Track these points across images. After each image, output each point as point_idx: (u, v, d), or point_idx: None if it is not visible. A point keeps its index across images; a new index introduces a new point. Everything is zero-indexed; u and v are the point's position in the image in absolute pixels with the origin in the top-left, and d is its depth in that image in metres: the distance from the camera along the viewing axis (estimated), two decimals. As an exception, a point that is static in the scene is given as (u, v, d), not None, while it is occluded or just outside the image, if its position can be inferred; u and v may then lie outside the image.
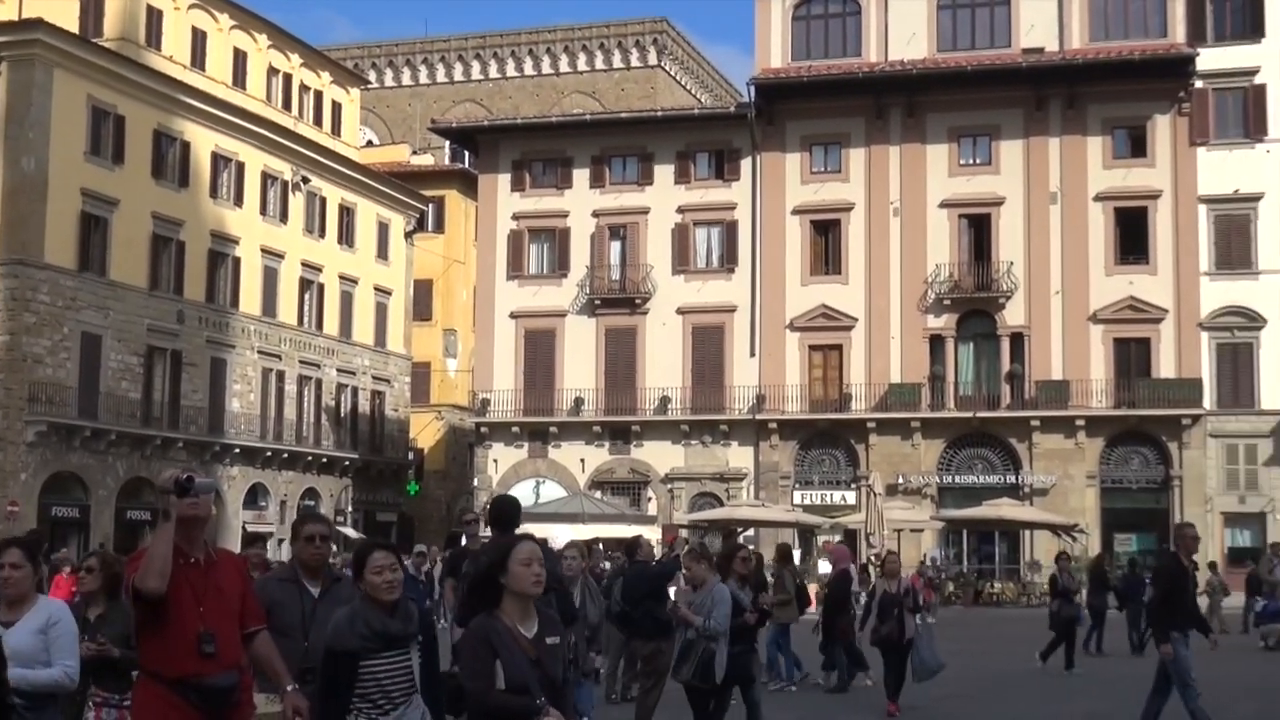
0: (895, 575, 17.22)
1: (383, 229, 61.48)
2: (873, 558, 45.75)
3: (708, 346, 53.02)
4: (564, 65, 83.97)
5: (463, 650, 5.78)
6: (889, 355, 51.02)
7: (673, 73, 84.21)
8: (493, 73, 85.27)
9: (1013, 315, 50.34)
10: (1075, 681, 21.32)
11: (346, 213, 59.10)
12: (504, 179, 55.94)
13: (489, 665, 5.61)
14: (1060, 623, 23.22)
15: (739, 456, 52.41)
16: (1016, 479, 49.63)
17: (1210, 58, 49.23)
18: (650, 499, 52.84)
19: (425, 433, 64.70)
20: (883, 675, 16.74)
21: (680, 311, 53.19)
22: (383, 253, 61.39)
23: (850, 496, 50.63)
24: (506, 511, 10.73)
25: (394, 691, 6.07)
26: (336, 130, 61.13)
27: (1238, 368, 48.91)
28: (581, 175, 54.90)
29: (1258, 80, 49.21)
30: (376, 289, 60.79)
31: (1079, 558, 43.60)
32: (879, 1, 52.65)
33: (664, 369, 52.92)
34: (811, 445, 52.15)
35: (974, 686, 20.12)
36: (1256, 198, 48.73)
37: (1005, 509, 45.74)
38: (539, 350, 54.57)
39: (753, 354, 52.37)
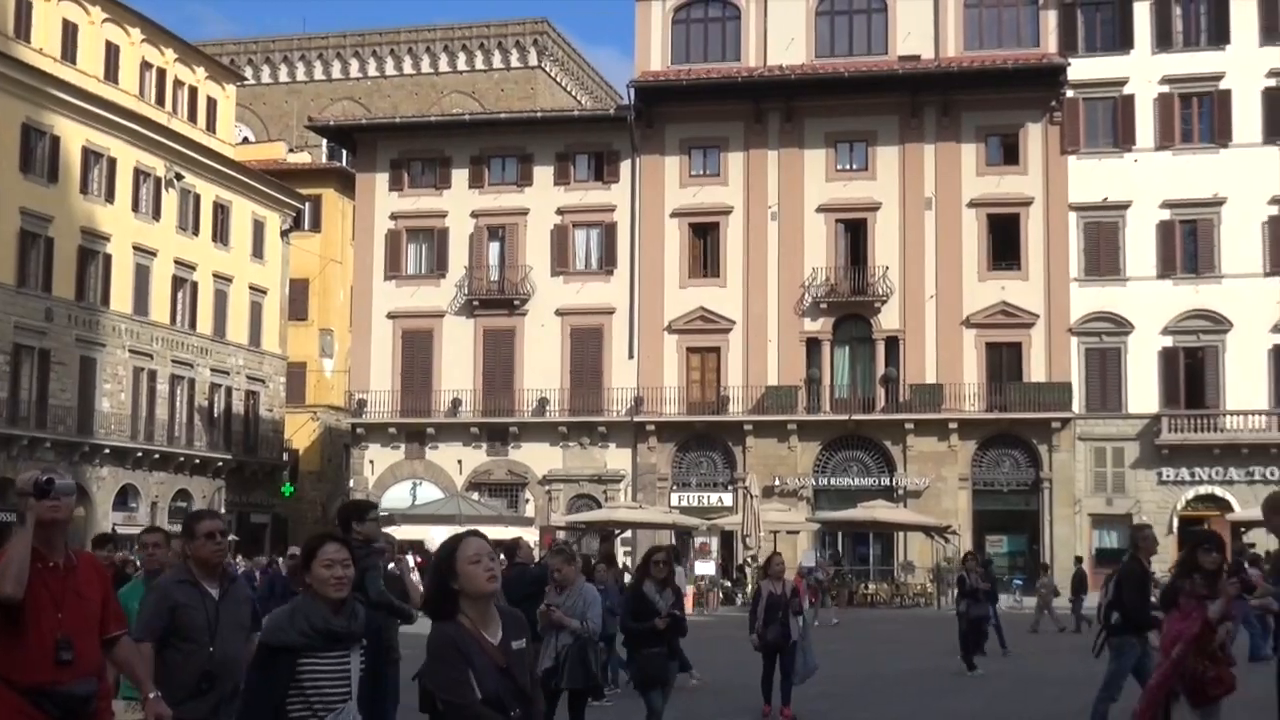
0: (780, 577, 16.98)
1: (258, 227, 60.95)
2: (749, 560, 46.52)
3: (586, 348, 53.31)
4: (443, 65, 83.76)
5: (434, 661, 5.19)
6: (766, 358, 51.66)
7: (553, 74, 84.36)
8: (371, 71, 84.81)
9: (888, 319, 51.22)
10: (957, 681, 21.60)
11: (221, 210, 58.53)
12: (382, 178, 55.82)
13: (464, 675, 5.11)
14: (969, 623, 23.25)
15: (617, 458, 52.76)
16: (891, 481, 50.48)
17: (1081, 68, 50.51)
18: (528, 500, 53.01)
19: (300, 434, 64.26)
20: (761, 678, 16.53)
21: (559, 313, 53.44)
22: (258, 251, 60.85)
23: (727, 498, 51.17)
24: (342, 514, 10.53)
25: (330, 694, 5.64)
26: (211, 127, 60.50)
27: (1106, 372, 50.17)
28: (460, 175, 54.94)
29: (1126, 91, 50.53)
30: (251, 288, 60.25)
31: (950, 559, 44.70)
32: (758, 6, 53.31)
33: (542, 370, 53.12)
34: (689, 447, 52.64)
35: (850, 687, 20.40)
36: (1125, 206, 50.03)
37: (880, 511, 46.57)
38: (416, 351, 54.51)
39: (631, 356, 52.75)
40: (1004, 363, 50.72)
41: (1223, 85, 49.90)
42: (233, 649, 6.94)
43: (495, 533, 36.26)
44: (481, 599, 5.25)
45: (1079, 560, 39.74)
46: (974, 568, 25.16)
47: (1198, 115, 50.36)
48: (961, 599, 23.94)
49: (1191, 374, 49.62)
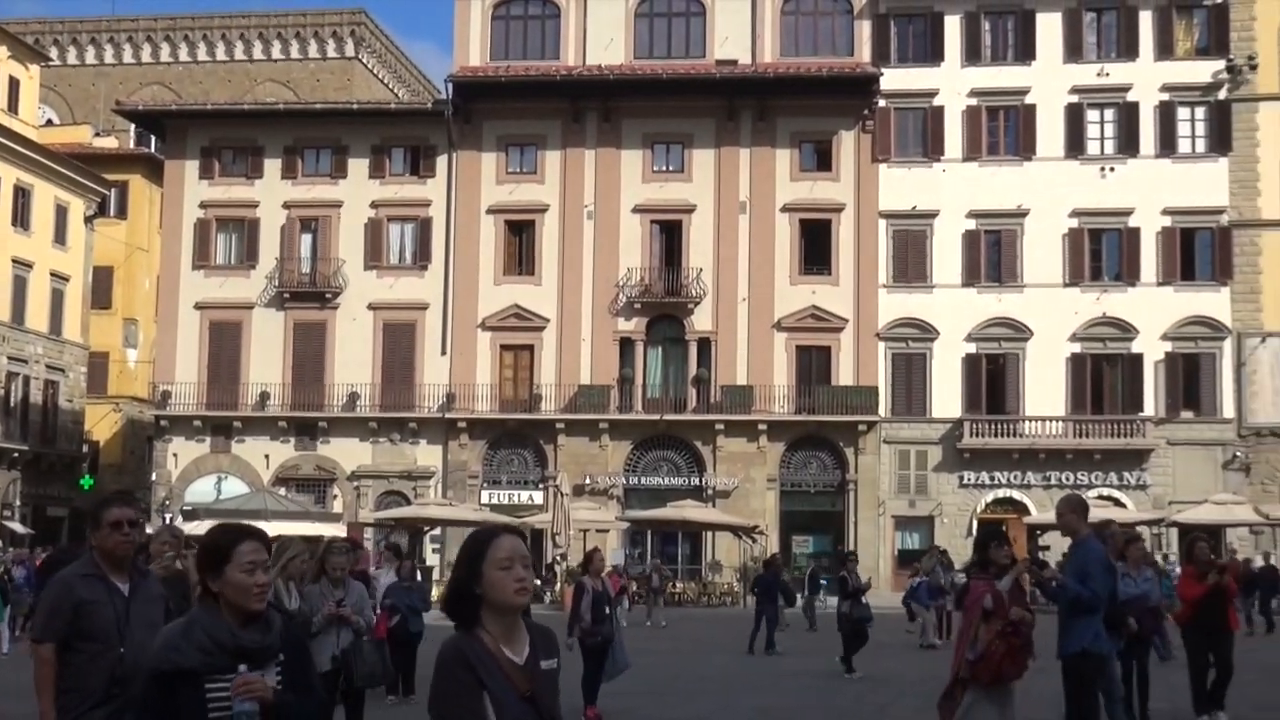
0: (600, 574, 16.74)
1: (61, 212, 59.72)
2: (558, 558, 47.00)
3: (398, 344, 53.35)
4: (258, 52, 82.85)
5: (442, 681, 4.32)
6: (579, 357, 52.24)
7: (370, 66, 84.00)
8: (183, 56, 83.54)
9: (701, 321, 52.16)
10: (765, 678, 22.03)
11: (22, 194, 57.25)
12: (192, 165, 55.19)
13: (476, 701, 4.25)
14: (850, 624, 23.06)
15: (428, 455, 52.90)
16: (700, 481, 51.43)
17: (893, 78, 52.03)
18: (336, 496, 52.86)
19: (101, 425, 63.09)
20: (582, 678, 16.10)
21: (371, 307, 53.39)
22: (60, 237, 59.62)
23: (538, 496, 51.64)
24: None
25: None
26: (14, 108, 59.13)
27: (911, 377, 51.74)
28: (273, 165, 54.57)
29: (936, 102, 52.17)
30: (53, 274, 59.01)
31: (758, 558, 45.67)
32: (578, 6, 53.91)
33: (353, 365, 53.02)
34: (501, 445, 53.00)
35: (659, 684, 20.69)
36: (932, 214, 51.66)
37: (689, 510, 47.31)
38: (224, 343, 54.01)
39: (444, 352, 52.92)
40: (813, 366, 52.00)
41: (1028, 100, 51.83)
42: (145, 652, 6.09)
43: (302, 529, 36.26)
44: (509, 612, 4.38)
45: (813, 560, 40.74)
46: (853, 569, 25.15)
47: (1004, 128, 52.22)
48: (844, 600, 23.75)
49: (993, 380, 51.43)
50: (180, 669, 4.69)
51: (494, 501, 51.72)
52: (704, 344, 52.28)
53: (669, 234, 52.90)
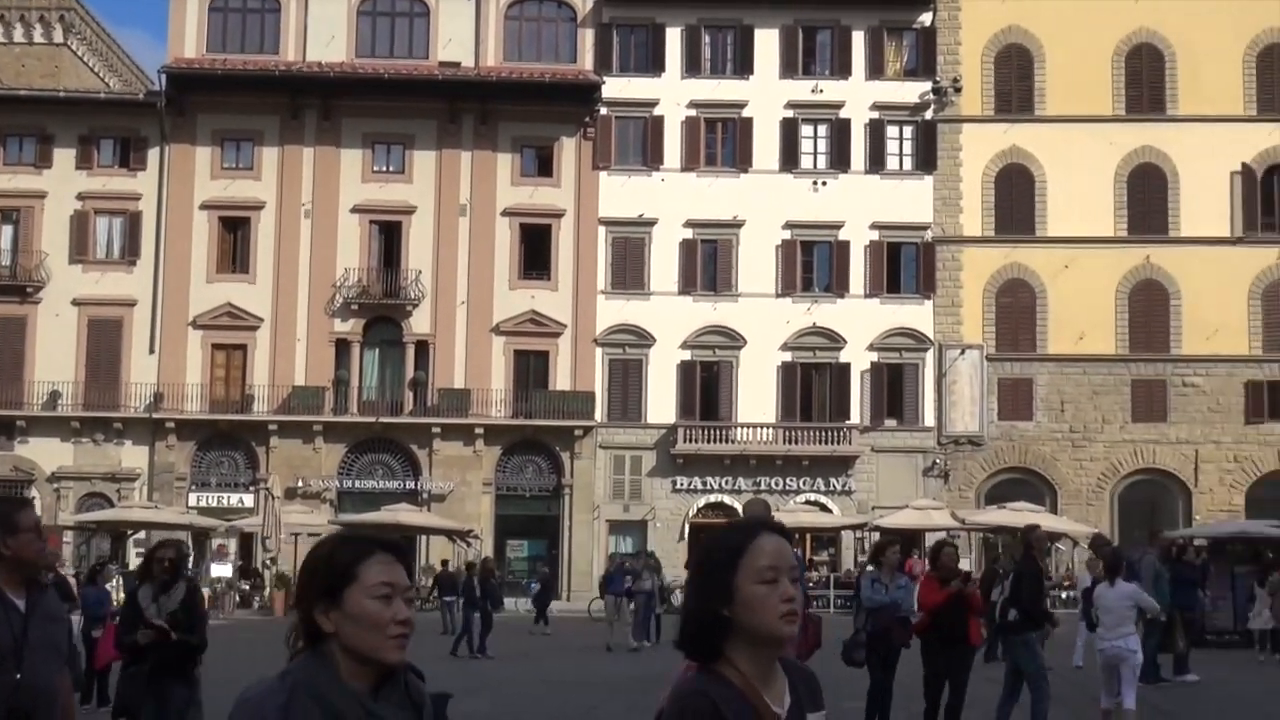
0: None
1: None
2: (267, 562, 47.00)
3: (104, 341, 52.45)
4: (-41, 35, 80.00)
5: None
6: (294, 357, 52.19)
7: (80, 53, 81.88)
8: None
9: (419, 323, 52.65)
10: (467, 683, 22.69)
11: None
12: (-117, 150, 53.32)
13: None
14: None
15: (133, 456, 52.13)
16: (416, 485, 51.90)
17: (615, 87, 53.42)
18: (34, 498, 51.55)
19: None
20: None
21: (76, 303, 52.37)
22: None
23: (248, 499, 51.37)
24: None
25: None
26: None
27: (628, 383, 53.13)
28: (-28, 153, 53.12)
29: (656, 112, 53.73)
30: None
31: (473, 563, 46.38)
32: (299, 1, 53.85)
33: (55, 362, 51.91)
34: (210, 446, 52.56)
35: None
36: (651, 223, 53.18)
37: (403, 514, 47.66)
38: (-85, 337, 52.30)
39: (152, 350, 52.25)
40: (531, 370, 52.98)
41: (745, 113, 53.79)
42: (44, 678, 5.57)
43: None
44: (771, 644, 3.30)
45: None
46: (650, 570, 25.20)
47: (721, 140, 54.08)
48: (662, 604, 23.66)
49: (707, 387, 53.19)
50: None
51: (202, 504, 51.27)
52: (422, 346, 52.77)
53: (388, 235, 53.25)
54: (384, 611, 3.23)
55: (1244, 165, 53.04)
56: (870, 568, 15.50)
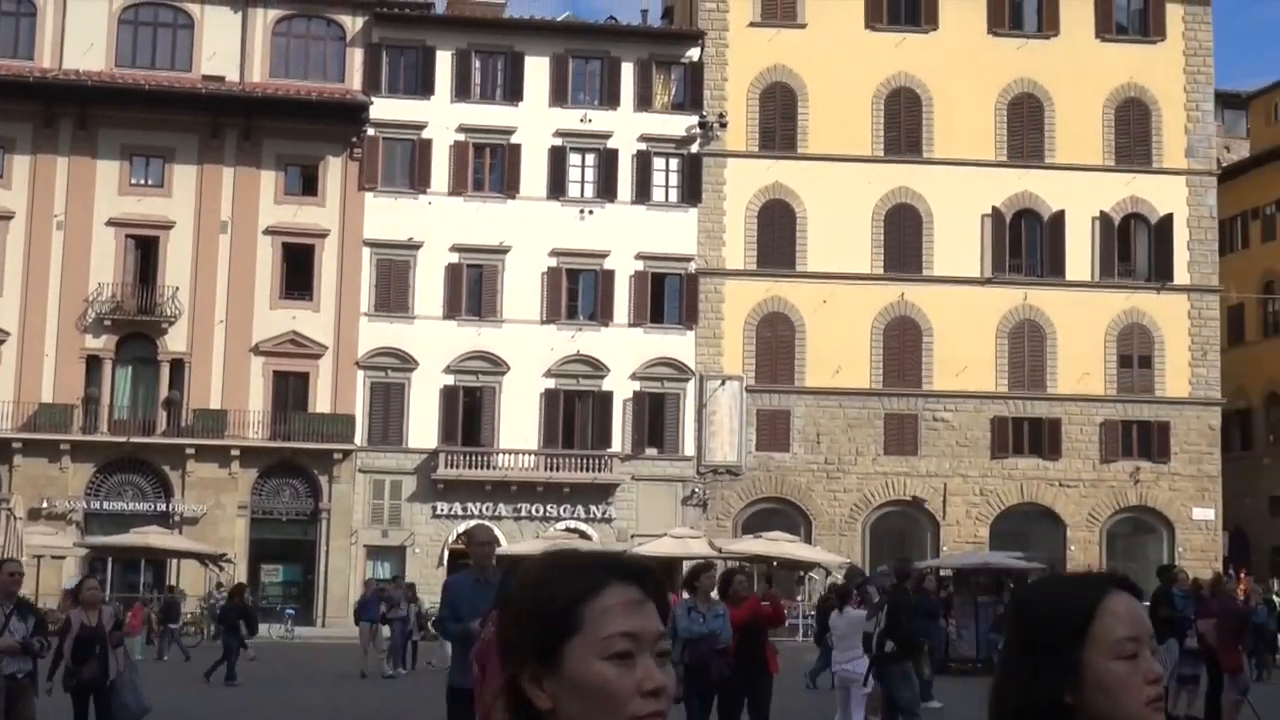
0: (95, 605, 14.74)
1: None
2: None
3: None
4: None
5: None
6: (41, 373, 50.82)
7: None
8: None
9: (175, 341, 51.71)
10: (215, 710, 22.50)
11: None
12: None
13: None
14: None
15: None
16: (168, 507, 50.88)
17: (384, 108, 53.33)
18: None
19: None
20: None
21: None
22: None
23: (-11, 519, 49.64)
24: None
25: None
26: None
27: (389, 406, 52.93)
28: None
29: (425, 135, 53.78)
30: None
31: (224, 586, 45.63)
32: (56, 5, 52.62)
33: None
34: (-51, 464, 50.78)
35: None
36: (417, 246, 53.14)
37: (153, 537, 46.66)
38: None
39: (-111, 363, 50.34)
40: (290, 392, 52.44)
41: (514, 139, 54.19)
42: None
43: None
44: None
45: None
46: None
47: (489, 165, 54.38)
48: None
49: (470, 412, 53.28)
50: None
51: (-61, 524, 49.40)
52: (177, 365, 51.82)
53: (145, 250, 52.22)
54: (624, 679, 2.06)
55: (994, 208, 55.31)
56: (685, 595, 14.63)
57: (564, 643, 2.07)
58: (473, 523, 51.39)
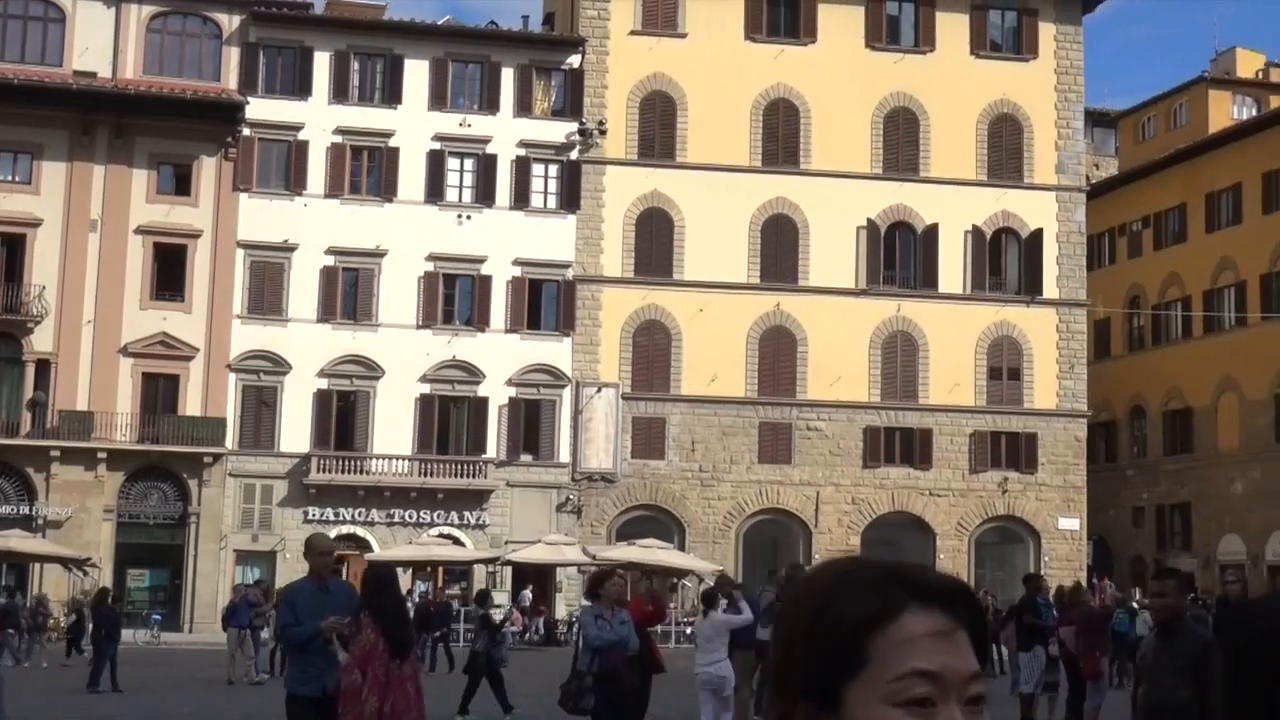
0: None
1: None
2: None
3: None
4: None
5: None
6: (-98, 372, 49.68)
7: None
8: None
9: (41, 341, 50.80)
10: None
11: None
12: None
13: None
14: (490, 664, 21.69)
15: None
16: (31, 510, 49.96)
17: (260, 108, 52.81)
18: None
19: None
20: None
21: None
22: None
23: None
24: None
25: None
26: None
27: (261, 410, 52.40)
28: None
29: (301, 136, 53.35)
30: None
31: (89, 591, 44.92)
32: (-79, -3, 51.56)
33: None
34: None
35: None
36: (292, 248, 52.69)
37: (15, 540, 45.80)
38: None
39: None
40: (160, 394, 51.72)
41: (392, 143, 53.92)
42: None
43: None
44: None
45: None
46: (489, 602, 24.53)
47: (367, 168, 54.07)
48: (478, 637, 22.83)
49: (343, 416, 52.90)
50: None
51: None
52: (43, 366, 50.91)
53: (10, 248, 51.22)
54: None
55: (869, 220, 56.04)
56: (588, 603, 14.42)
57: (846, 683, 1.65)
58: (345, 528, 51.48)
